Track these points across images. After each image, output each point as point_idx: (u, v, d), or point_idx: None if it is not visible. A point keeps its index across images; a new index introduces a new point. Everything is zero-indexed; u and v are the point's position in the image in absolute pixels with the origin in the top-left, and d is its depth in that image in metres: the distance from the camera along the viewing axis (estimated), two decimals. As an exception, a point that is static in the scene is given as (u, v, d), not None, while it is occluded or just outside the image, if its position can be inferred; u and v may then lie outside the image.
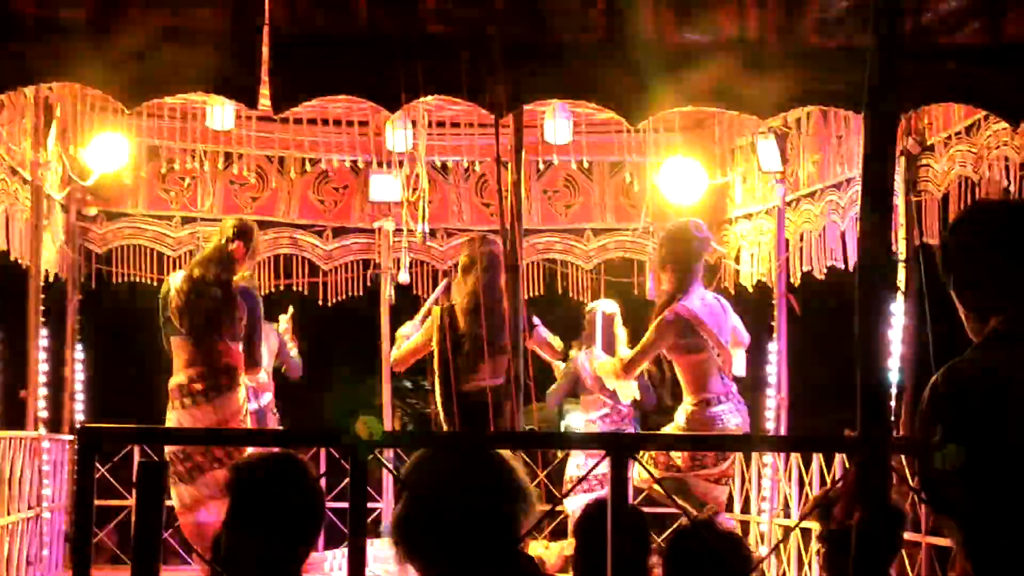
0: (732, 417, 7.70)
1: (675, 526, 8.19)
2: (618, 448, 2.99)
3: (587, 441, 4.73)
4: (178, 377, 7.93)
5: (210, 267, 7.96)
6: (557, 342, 8.89)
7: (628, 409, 9.47)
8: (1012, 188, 6.96)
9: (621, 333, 9.26)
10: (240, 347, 7.97)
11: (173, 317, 7.96)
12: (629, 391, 8.57)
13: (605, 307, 9.54)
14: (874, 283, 2.88)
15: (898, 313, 7.81)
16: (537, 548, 8.66)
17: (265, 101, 6.49)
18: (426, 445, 3.17)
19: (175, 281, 8.07)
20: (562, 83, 6.53)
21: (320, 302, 10.85)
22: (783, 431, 9.31)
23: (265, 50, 6.28)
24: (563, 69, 6.42)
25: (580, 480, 8.77)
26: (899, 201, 7.96)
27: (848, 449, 4.30)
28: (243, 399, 7.91)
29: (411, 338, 8.74)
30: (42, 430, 9.22)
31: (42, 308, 9.41)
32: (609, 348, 9.07)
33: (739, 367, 8.09)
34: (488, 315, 8.16)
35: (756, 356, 9.02)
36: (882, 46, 2.93)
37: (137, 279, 10.49)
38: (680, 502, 7.04)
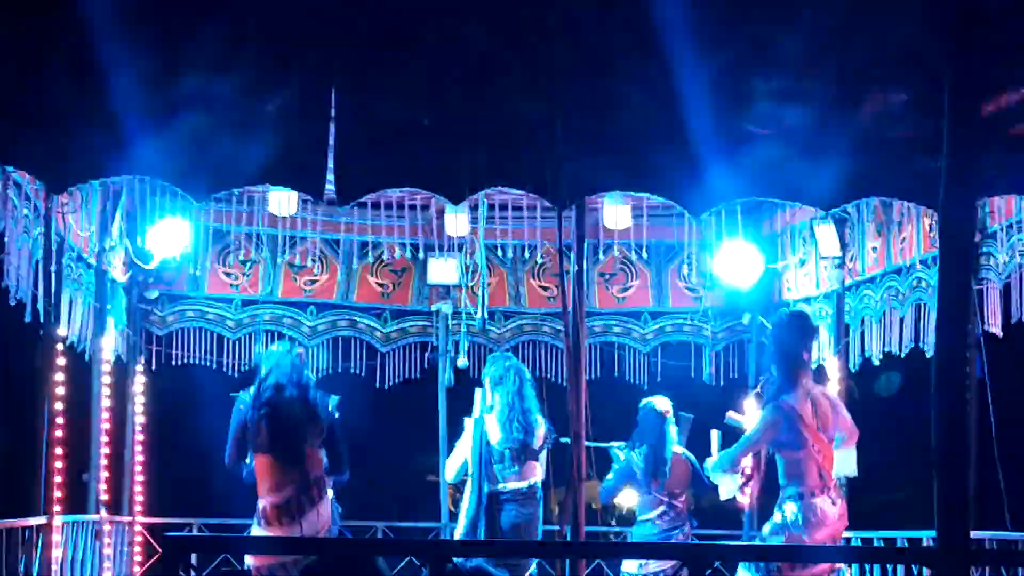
0: (828, 510, 7.55)
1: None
2: (696, 560, 3.00)
3: (666, 551, 4.72)
4: (270, 498, 7.45)
5: (289, 382, 7.69)
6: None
7: (683, 505, 9.37)
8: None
9: (673, 430, 9.27)
10: (323, 453, 7.58)
11: (255, 436, 7.51)
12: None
13: (659, 403, 9.52)
14: (953, 390, 2.89)
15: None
16: None
17: (330, 186, 6.55)
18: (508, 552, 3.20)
19: (251, 399, 7.60)
20: (625, 175, 6.56)
21: (377, 384, 10.89)
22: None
23: (332, 142, 6.36)
24: (626, 161, 6.45)
25: None
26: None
27: (928, 562, 4.28)
28: (329, 509, 7.53)
29: (457, 449, 9.09)
30: (103, 512, 9.27)
31: (105, 391, 9.50)
32: (661, 447, 9.13)
33: (848, 466, 7.92)
34: (519, 425, 8.69)
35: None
36: (957, 143, 2.95)
37: (197, 361, 10.58)
38: None
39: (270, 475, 7.48)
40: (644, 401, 9.70)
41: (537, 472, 8.75)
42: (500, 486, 8.66)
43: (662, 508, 9.28)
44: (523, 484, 8.67)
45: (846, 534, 9.32)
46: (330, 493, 7.61)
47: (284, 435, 7.50)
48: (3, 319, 8.05)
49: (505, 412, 8.74)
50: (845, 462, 7.85)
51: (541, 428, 8.78)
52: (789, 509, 7.56)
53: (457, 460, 8.97)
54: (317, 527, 7.36)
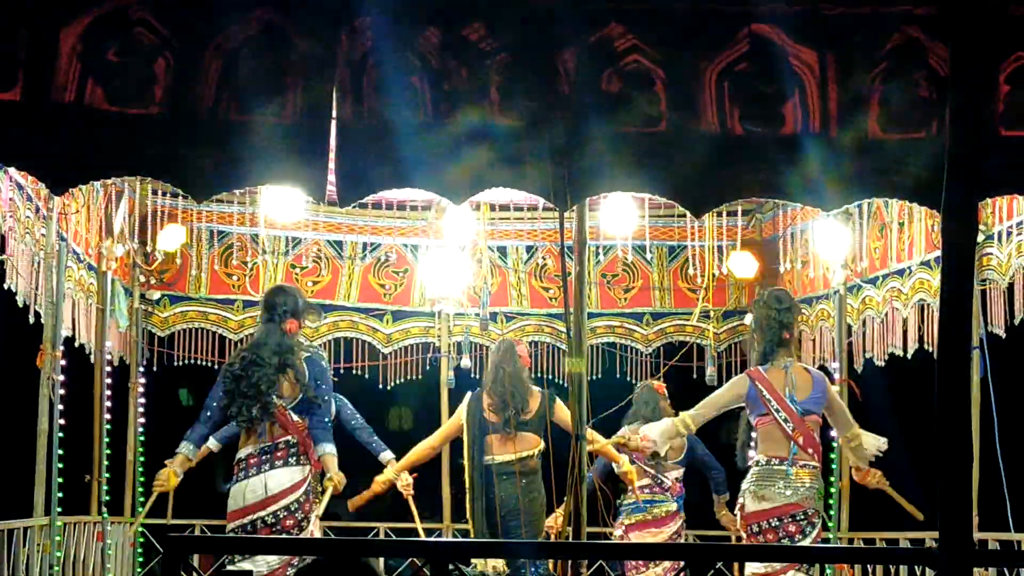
0: (788, 484, 7.56)
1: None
2: (695, 559, 3.00)
3: (666, 552, 4.71)
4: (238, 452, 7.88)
5: (265, 349, 7.84)
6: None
7: (674, 484, 9.49)
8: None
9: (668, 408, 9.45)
10: (301, 421, 7.80)
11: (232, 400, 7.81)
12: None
13: (656, 384, 9.72)
14: (956, 391, 2.88)
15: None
16: None
17: (331, 188, 6.52)
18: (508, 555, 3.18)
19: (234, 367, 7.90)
20: (628, 175, 6.52)
21: (379, 385, 10.88)
22: (844, 518, 9.30)
23: (332, 143, 6.34)
24: (629, 161, 6.42)
25: None
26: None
27: (931, 563, 4.28)
28: (296, 479, 7.70)
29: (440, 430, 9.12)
30: (105, 513, 9.27)
31: (107, 392, 9.49)
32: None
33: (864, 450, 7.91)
34: (511, 398, 8.54)
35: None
36: (960, 142, 2.93)
37: (198, 362, 10.58)
38: None
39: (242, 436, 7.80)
40: (640, 383, 9.91)
41: (529, 444, 8.56)
42: (488, 459, 8.54)
43: (646, 480, 9.43)
44: (512, 456, 8.50)
45: (848, 534, 9.34)
46: (302, 472, 7.73)
47: (246, 394, 7.71)
48: (4, 319, 8.06)
49: (491, 382, 8.66)
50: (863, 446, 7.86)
51: (534, 399, 8.62)
52: (750, 476, 7.68)
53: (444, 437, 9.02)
54: (260, 495, 7.56)
